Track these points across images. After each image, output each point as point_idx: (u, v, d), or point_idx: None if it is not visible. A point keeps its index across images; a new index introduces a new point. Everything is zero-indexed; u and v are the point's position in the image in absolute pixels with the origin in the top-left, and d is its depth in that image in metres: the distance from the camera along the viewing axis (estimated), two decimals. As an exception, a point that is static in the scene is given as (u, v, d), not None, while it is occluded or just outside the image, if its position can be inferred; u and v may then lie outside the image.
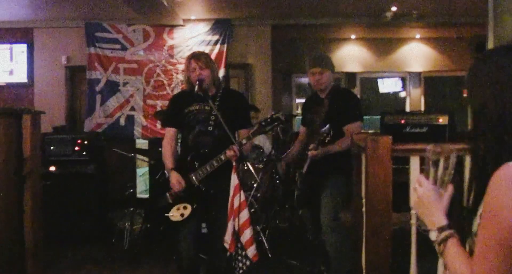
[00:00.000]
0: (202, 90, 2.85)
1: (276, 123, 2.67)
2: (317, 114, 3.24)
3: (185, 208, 2.82)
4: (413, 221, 2.23)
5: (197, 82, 2.83)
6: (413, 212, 2.23)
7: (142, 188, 6.32)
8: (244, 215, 2.63)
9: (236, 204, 2.63)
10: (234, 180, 2.66)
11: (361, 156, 2.47)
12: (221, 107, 2.84)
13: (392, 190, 2.15)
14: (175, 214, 2.82)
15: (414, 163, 2.21)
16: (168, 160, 2.92)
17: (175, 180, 2.82)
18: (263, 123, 2.69)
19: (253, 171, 4.23)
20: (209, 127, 2.86)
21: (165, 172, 2.95)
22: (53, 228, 4.24)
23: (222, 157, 2.74)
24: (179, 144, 3.14)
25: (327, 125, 2.92)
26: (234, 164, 2.68)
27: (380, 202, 2.14)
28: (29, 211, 2.97)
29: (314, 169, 3.09)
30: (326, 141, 2.94)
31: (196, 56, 2.90)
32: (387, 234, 2.14)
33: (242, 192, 2.65)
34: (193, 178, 2.83)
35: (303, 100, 9.18)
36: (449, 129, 3.11)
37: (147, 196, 5.93)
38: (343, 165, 2.96)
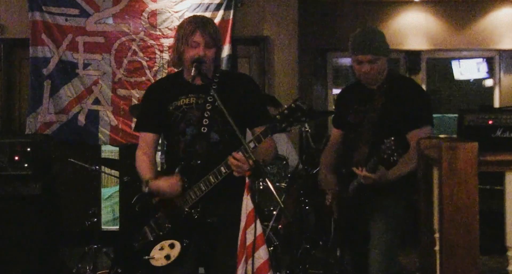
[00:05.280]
0: (200, 75, 2.82)
1: (296, 115, 2.59)
2: (365, 113, 3.25)
3: (171, 246, 2.84)
4: None
5: (194, 64, 2.80)
6: (510, 254, 2.23)
7: (109, 216, 6.35)
8: (262, 254, 2.63)
9: (249, 239, 2.63)
10: (248, 204, 2.65)
11: (431, 171, 2.48)
12: (220, 97, 2.78)
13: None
14: (158, 255, 2.83)
15: (512, 181, 2.22)
16: (145, 170, 2.93)
17: (166, 184, 2.82)
18: (278, 116, 2.62)
19: (273, 192, 4.23)
20: (202, 129, 2.87)
21: (143, 188, 2.95)
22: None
23: (222, 169, 2.74)
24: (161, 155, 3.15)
25: (391, 138, 2.90)
26: (247, 180, 2.68)
27: (461, 238, 2.14)
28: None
29: (362, 189, 3.12)
30: (392, 161, 2.93)
31: (203, 26, 2.84)
32: (472, 286, 2.15)
33: (258, 222, 2.65)
34: (180, 202, 2.83)
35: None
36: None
37: (116, 227, 5.96)
38: (403, 184, 2.98)
